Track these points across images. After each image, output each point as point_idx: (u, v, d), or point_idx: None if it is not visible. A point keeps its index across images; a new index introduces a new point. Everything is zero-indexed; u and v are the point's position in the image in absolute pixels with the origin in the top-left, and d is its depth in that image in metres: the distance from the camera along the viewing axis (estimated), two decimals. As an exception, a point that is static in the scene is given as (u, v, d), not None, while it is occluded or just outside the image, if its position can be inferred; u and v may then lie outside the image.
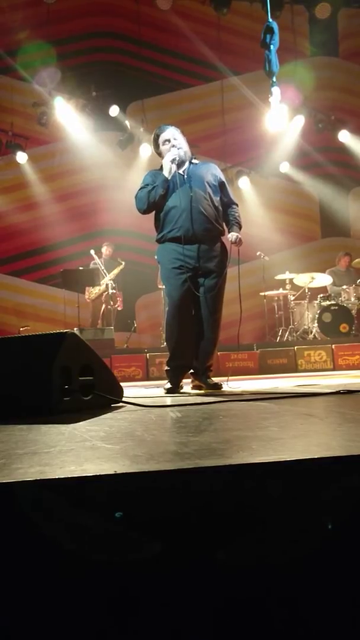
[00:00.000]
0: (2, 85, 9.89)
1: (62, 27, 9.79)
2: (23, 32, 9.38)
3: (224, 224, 3.71)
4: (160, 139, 3.66)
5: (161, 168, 3.66)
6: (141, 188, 3.61)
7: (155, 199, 3.53)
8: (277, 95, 5.28)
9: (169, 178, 3.54)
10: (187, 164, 3.63)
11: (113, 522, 0.89)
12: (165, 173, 3.54)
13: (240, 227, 3.72)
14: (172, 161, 3.53)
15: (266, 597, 0.91)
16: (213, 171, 3.71)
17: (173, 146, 3.59)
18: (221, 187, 3.70)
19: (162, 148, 3.66)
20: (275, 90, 5.20)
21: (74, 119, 9.71)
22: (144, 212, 3.62)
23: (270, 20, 4.82)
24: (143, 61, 10.21)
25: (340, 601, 0.93)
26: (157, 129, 3.71)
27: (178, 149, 3.59)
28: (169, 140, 3.63)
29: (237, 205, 3.79)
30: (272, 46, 4.70)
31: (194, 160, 3.70)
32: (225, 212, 3.71)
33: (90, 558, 0.87)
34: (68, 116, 9.62)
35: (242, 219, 3.79)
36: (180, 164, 3.58)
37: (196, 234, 3.49)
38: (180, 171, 3.57)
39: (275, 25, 4.74)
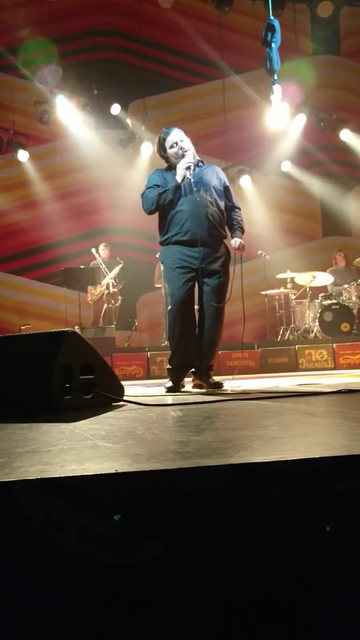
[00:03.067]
0: (3, 83, 9.88)
1: (63, 25, 9.78)
2: (25, 30, 9.37)
3: (226, 228, 3.71)
4: (167, 142, 3.61)
5: (167, 168, 3.65)
6: (149, 188, 3.58)
7: (164, 203, 3.52)
8: (278, 93, 5.27)
9: (181, 185, 3.52)
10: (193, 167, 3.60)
11: (113, 523, 0.89)
12: (179, 179, 3.51)
13: (243, 232, 3.73)
14: (188, 169, 3.50)
15: (266, 597, 0.91)
16: (219, 175, 3.71)
17: (181, 148, 3.56)
18: (225, 191, 3.71)
19: (170, 151, 3.61)
20: (277, 88, 5.19)
21: (75, 117, 9.71)
22: (150, 213, 3.61)
23: (272, 17, 4.80)
24: (144, 59, 10.19)
25: (341, 602, 0.93)
26: (162, 133, 3.65)
27: (186, 151, 3.55)
28: (176, 143, 3.59)
29: (239, 209, 3.79)
30: (273, 44, 4.69)
31: (199, 163, 3.68)
32: (229, 215, 3.72)
33: (91, 558, 0.87)
34: (69, 114, 9.61)
35: (243, 218, 3.80)
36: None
37: (201, 238, 3.49)
38: (188, 174, 3.54)
39: (276, 23, 4.72)
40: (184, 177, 3.50)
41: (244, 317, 3.75)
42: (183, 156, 3.55)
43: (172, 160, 3.64)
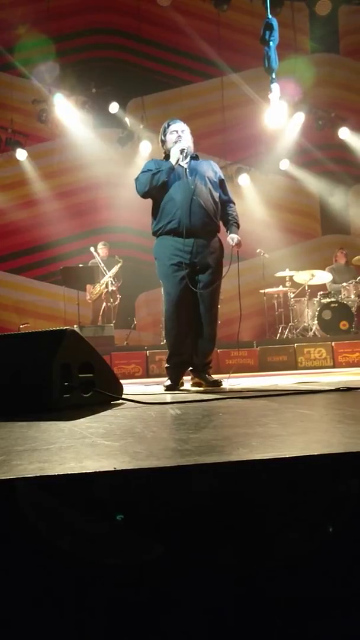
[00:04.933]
0: (1, 82, 9.87)
1: (62, 24, 9.76)
2: (23, 28, 9.35)
3: (220, 222, 3.71)
4: (170, 129, 3.68)
5: (165, 158, 3.67)
6: (143, 172, 3.59)
7: (157, 184, 3.51)
8: (277, 92, 5.28)
9: (175, 167, 3.54)
10: (188, 158, 3.60)
11: (113, 522, 0.89)
12: (172, 160, 3.54)
13: (238, 227, 3.74)
14: (181, 151, 3.52)
15: (265, 597, 0.91)
16: (214, 168, 3.74)
17: (179, 136, 3.62)
18: (221, 184, 3.72)
19: (168, 137, 3.68)
20: (275, 86, 5.20)
21: (74, 116, 9.70)
22: (144, 195, 3.60)
23: (270, 16, 4.81)
24: (143, 58, 10.18)
25: (343, 604, 0.93)
26: (168, 120, 3.76)
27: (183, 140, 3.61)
28: (177, 131, 3.65)
29: (234, 203, 3.80)
30: (271, 43, 4.70)
31: (194, 155, 3.70)
32: (224, 210, 3.72)
33: (90, 558, 0.87)
34: (68, 113, 9.60)
35: (241, 216, 3.81)
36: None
37: (194, 227, 3.48)
38: (183, 164, 3.55)
39: (274, 22, 4.73)
40: (178, 159, 3.52)
41: (240, 315, 3.74)
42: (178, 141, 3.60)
43: (167, 145, 3.68)
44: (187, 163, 3.56)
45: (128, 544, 0.89)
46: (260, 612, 0.90)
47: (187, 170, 3.54)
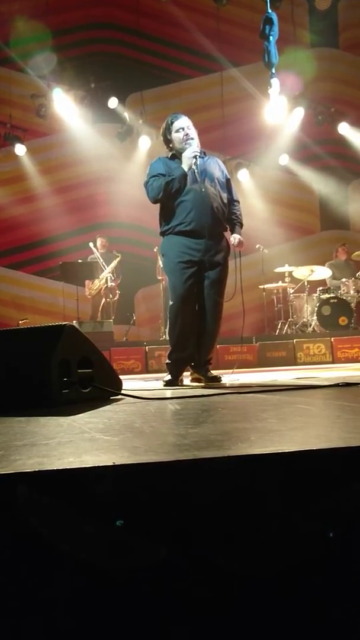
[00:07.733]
0: (0, 76, 9.83)
1: (60, 18, 9.72)
2: (22, 22, 9.31)
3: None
4: (174, 126, 3.58)
5: (171, 157, 3.63)
6: (153, 176, 3.51)
7: (171, 192, 3.46)
8: (276, 87, 5.27)
9: (187, 173, 3.48)
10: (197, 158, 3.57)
11: (112, 522, 0.88)
12: (185, 167, 3.48)
13: (241, 226, 3.73)
14: (194, 157, 3.47)
15: (264, 597, 0.91)
16: (220, 167, 3.71)
17: (186, 134, 3.54)
18: (227, 184, 3.70)
19: (175, 135, 3.58)
20: (275, 81, 5.18)
21: (73, 111, 9.66)
22: (156, 202, 3.55)
23: (270, 11, 4.79)
24: (142, 52, 10.14)
25: (345, 604, 0.93)
26: (171, 116, 3.63)
27: (191, 138, 3.53)
28: (183, 129, 3.56)
29: (238, 202, 3.78)
30: (271, 37, 4.68)
31: (202, 154, 3.66)
32: (229, 209, 3.70)
33: (88, 558, 0.87)
34: (66, 108, 9.57)
35: (242, 212, 3.79)
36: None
37: (205, 229, 3.46)
38: (194, 166, 3.50)
39: (274, 16, 4.72)
40: (191, 166, 3.47)
41: (243, 311, 3.74)
42: (187, 142, 3.52)
43: (175, 145, 3.60)
44: (195, 164, 3.50)
45: (126, 541, 0.89)
46: (261, 617, 0.90)
47: (197, 172, 3.49)
